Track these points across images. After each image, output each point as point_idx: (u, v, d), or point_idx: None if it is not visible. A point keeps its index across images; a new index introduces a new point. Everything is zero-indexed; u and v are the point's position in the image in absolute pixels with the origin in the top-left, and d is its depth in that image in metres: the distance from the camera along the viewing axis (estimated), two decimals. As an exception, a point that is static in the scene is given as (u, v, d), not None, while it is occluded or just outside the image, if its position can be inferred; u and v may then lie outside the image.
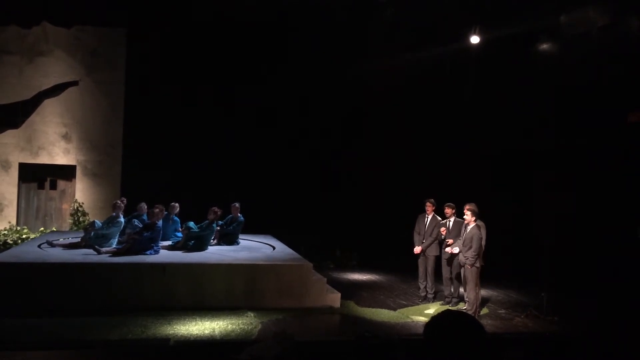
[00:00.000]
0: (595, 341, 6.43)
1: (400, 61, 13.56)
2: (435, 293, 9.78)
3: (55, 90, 14.05)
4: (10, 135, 13.83)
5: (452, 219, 9.38)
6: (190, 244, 10.08)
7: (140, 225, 9.97)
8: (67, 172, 14.27)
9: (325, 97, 14.58)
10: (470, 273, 8.54)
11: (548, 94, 12.42)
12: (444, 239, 9.33)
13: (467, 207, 8.70)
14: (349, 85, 14.38)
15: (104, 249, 9.25)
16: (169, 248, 10.09)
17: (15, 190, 13.85)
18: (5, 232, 12.95)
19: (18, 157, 13.86)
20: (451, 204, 9.44)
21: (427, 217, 9.72)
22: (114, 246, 9.63)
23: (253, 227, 12.07)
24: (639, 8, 10.21)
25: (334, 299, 9.21)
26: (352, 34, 13.83)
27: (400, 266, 11.97)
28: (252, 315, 8.22)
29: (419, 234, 9.73)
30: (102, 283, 8.23)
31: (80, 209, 13.80)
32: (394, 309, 9.21)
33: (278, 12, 13.58)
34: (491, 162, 13.60)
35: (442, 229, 9.38)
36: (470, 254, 8.47)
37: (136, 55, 14.20)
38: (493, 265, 9.51)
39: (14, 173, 13.85)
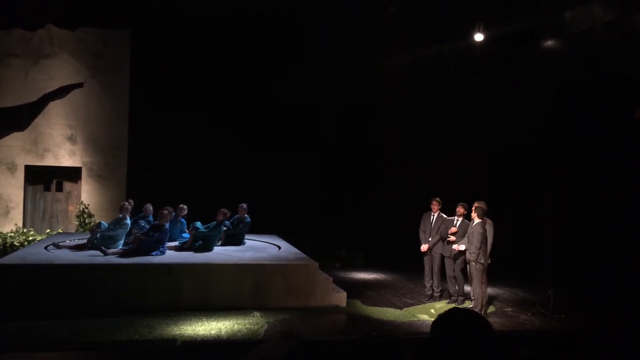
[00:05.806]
0: (602, 338, 6.41)
1: (403, 59, 13.52)
2: (441, 291, 9.75)
3: (60, 93, 14.08)
4: (15, 138, 13.88)
5: (460, 219, 9.36)
6: (197, 244, 10.09)
7: (147, 227, 9.98)
8: (72, 174, 14.30)
9: (328, 96, 14.54)
10: (475, 270, 8.54)
11: (552, 91, 12.37)
12: (448, 240, 9.32)
13: (475, 204, 8.69)
14: (353, 83, 14.35)
15: (110, 251, 9.26)
16: (176, 249, 10.10)
17: (21, 192, 13.90)
18: (12, 234, 12.99)
19: (24, 160, 13.90)
20: (464, 204, 9.37)
21: (433, 216, 9.69)
22: (120, 247, 9.65)
23: (259, 227, 12.07)
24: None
25: (340, 298, 9.21)
26: (356, 33, 13.80)
27: (405, 265, 11.95)
28: (258, 315, 8.22)
29: (425, 232, 9.71)
30: (108, 284, 8.24)
31: (86, 210, 13.82)
32: (400, 308, 9.20)
33: (282, 13, 13.57)
34: (495, 161, 13.56)
35: (452, 228, 9.35)
36: (473, 249, 8.47)
37: (140, 57, 14.21)
38: (499, 263, 9.49)
39: (20, 175, 13.89)
